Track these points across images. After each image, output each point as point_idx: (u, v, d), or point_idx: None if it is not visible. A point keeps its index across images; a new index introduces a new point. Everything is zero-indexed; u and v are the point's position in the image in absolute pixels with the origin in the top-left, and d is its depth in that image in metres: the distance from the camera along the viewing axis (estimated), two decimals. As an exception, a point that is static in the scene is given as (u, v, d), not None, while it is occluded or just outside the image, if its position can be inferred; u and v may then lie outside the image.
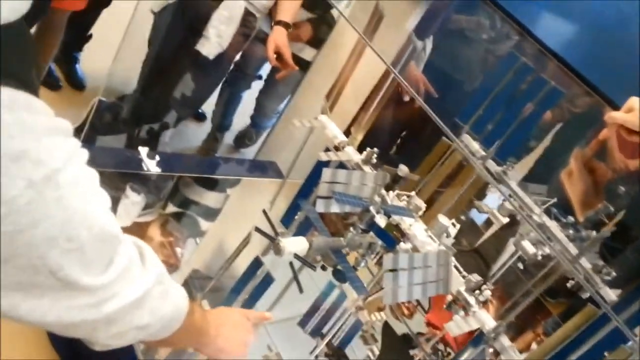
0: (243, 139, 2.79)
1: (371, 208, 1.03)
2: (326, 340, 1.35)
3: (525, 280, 1.47)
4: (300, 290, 1.09)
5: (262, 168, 2.01)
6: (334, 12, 2.23)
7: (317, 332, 1.41)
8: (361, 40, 1.34)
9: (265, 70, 2.51)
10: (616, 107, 1.54)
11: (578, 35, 1.72)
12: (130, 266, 0.62)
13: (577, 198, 1.17)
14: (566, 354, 1.11)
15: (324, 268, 1.11)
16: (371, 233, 1.06)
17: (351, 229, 1.04)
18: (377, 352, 1.48)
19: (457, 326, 1.00)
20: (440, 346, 1.60)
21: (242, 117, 2.73)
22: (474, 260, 1.51)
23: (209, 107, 2.58)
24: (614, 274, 1.24)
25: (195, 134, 2.63)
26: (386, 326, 1.53)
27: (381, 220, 1.06)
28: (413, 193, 1.17)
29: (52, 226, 0.51)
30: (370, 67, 1.45)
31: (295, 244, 0.94)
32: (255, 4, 1.91)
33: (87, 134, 1.66)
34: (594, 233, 1.30)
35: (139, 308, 0.63)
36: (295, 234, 1.05)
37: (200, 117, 2.74)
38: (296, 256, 1.00)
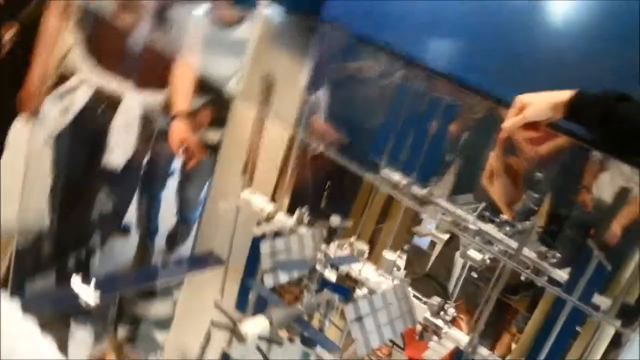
0: (174, 239, 2.72)
1: (317, 266, 1.03)
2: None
3: (484, 287, 1.50)
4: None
5: (201, 261, 1.96)
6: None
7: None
8: (262, 109, 1.36)
9: (176, 164, 2.50)
10: (508, 104, 1.64)
11: (457, 48, 1.83)
12: None
13: (501, 197, 1.22)
14: (543, 342, 1.13)
15: (291, 340, 1.09)
16: (325, 290, 1.05)
17: (305, 292, 1.03)
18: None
19: (434, 352, 1.00)
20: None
21: (167, 217, 2.69)
22: (428, 285, 1.53)
23: (131, 217, 2.53)
24: (558, 255, 1.29)
25: (124, 248, 2.55)
26: None
27: (331, 275, 1.06)
28: (353, 239, 1.18)
29: None
30: (277, 131, 1.48)
31: (256, 326, 0.92)
32: (149, 104, 1.92)
33: (14, 284, 1.58)
34: (528, 223, 1.36)
35: None
36: (254, 315, 1.03)
37: (125, 230, 2.67)
38: (260, 337, 0.97)
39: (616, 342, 1.18)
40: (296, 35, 1.87)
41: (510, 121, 1.08)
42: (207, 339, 1.37)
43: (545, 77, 1.47)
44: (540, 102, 1.05)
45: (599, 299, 1.21)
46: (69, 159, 1.91)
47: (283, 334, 1.16)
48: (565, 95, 1.03)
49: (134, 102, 1.87)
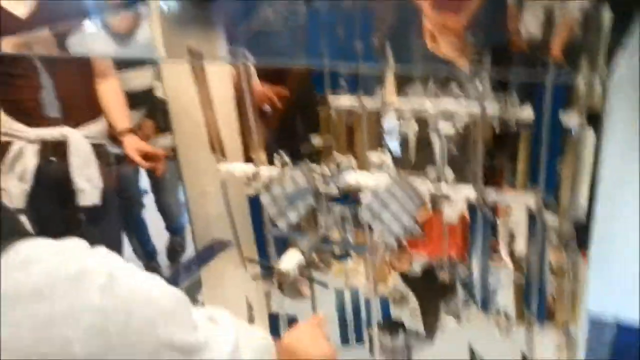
0: (174, 251, 2.76)
1: (319, 187, 1.09)
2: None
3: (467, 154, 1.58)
4: (326, 286, 1.13)
5: (207, 252, 2.00)
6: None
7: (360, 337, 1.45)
8: (201, 88, 1.38)
9: (144, 182, 2.51)
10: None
11: None
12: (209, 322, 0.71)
13: (451, 52, 1.27)
14: (536, 178, 1.18)
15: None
16: (336, 206, 1.12)
17: (318, 215, 1.09)
18: (416, 307, 1.53)
19: (451, 212, 1.08)
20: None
21: (159, 234, 2.71)
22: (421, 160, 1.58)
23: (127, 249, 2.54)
24: (516, 96, 1.35)
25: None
26: (405, 279, 1.57)
27: (333, 191, 1.12)
28: (335, 155, 1.24)
29: (142, 311, 0.59)
30: (222, 97, 1.51)
31: (291, 260, 0.98)
32: (94, 135, 1.92)
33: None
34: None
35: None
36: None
37: (127, 264, 2.68)
38: (311, 279, 1.03)
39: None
40: (196, 13, 1.88)
41: None
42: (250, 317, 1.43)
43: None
44: None
45: (567, 119, 1.28)
46: (45, 219, 1.91)
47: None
48: None
49: (80, 139, 1.88)
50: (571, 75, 1.28)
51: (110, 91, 1.93)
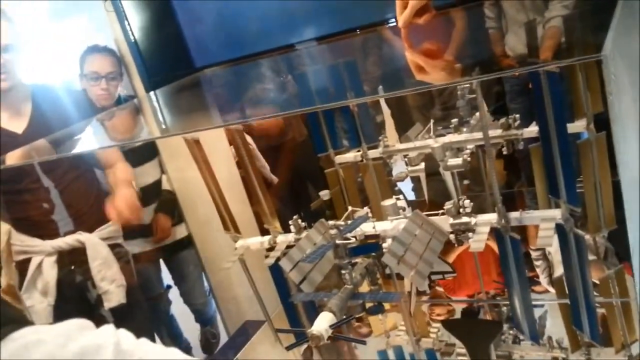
0: (208, 342, 2.70)
1: (337, 242, 1.06)
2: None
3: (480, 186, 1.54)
4: (364, 343, 1.07)
5: (243, 336, 1.95)
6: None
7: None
8: (204, 169, 1.37)
9: (166, 278, 2.49)
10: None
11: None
12: None
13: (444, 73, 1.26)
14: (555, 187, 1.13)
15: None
16: (359, 258, 1.08)
17: (342, 271, 1.05)
18: (464, 353, 1.46)
19: (477, 242, 1.04)
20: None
21: (190, 328, 2.65)
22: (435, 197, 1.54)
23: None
24: (518, 116, 1.32)
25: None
26: (447, 325, 1.50)
27: (352, 243, 1.09)
28: (350, 208, 1.21)
29: None
30: (228, 178, 1.51)
31: (323, 322, 0.94)
32: (108, 236, 1.92)
33: None
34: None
35: None
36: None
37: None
38: (341, 337, 0.99)
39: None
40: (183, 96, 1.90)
41: (403, 16, 1.15)
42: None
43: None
44: None
45: (572, 127, 1.25)
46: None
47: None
48: None
49: (97, 242, 1.88)
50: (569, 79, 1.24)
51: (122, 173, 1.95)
